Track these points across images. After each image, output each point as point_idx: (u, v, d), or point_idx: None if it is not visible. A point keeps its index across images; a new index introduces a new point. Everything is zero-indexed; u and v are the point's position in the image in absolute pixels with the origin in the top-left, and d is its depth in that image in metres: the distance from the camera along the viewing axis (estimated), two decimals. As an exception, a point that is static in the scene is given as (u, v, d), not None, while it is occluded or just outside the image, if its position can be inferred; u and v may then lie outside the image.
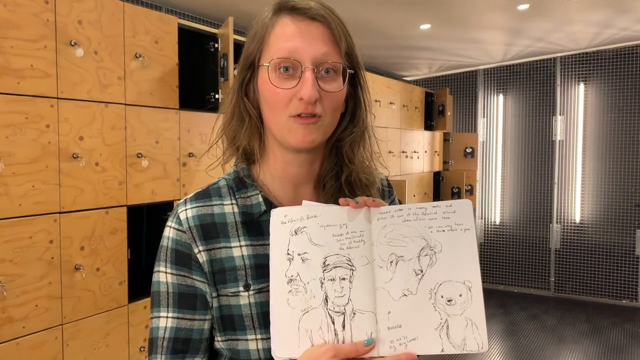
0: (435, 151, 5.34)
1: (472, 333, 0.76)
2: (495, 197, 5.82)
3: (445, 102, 5.23)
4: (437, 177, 5.40)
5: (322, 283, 0.79)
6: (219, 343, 0.87)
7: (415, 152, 4.81)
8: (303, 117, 0.82)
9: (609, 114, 5.22)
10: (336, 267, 0.79)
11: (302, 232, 0.80)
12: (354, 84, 0.92)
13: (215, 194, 0.90)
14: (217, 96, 2.54)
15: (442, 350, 0.77)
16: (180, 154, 2.42)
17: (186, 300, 0.86)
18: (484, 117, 5.84)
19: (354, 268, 0.79)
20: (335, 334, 0.78)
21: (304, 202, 0.82)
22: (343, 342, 0.77)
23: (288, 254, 0.80)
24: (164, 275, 0.87)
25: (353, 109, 0.93)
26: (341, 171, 0.92)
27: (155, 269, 0.88)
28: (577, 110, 5.38)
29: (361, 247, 0.79)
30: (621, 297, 5.22)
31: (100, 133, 2.06)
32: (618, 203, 5.21)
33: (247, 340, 0.84)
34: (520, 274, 5.67)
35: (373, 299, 0.78)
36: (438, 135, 5.41)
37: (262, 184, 0.91)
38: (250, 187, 0.90)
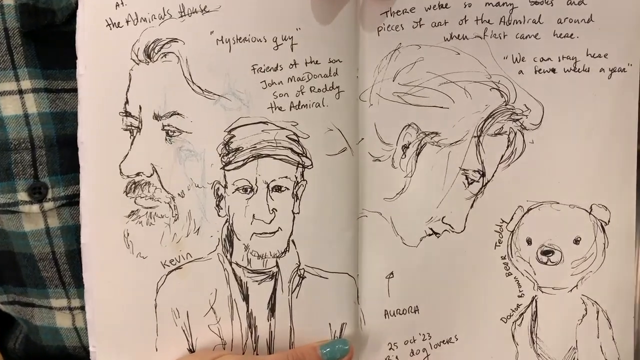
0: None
1: (597, 335, 0.31)
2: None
3: None
4: None
5: (220, 196, 0.32)
6: (1, 305, 0.45)
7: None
8: None
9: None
10: (260, 155, 0.32)
11: (164, 55, 0.32)
12: None
13: None
14: None
15: None
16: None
17: None
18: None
19: (305, 160, 0.31)
20: (251, 325, 0.33)
21: None
22: (270, 348, 0.33)
23: (127, 113, 0.33)
24: None
25: None
26: None
27: None
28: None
29: (331, 104, 0.31)
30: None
31: None
32: None
33: (49, 308, 0.42)
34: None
35: (352, 238, 0.31)
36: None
37: None
38: None
